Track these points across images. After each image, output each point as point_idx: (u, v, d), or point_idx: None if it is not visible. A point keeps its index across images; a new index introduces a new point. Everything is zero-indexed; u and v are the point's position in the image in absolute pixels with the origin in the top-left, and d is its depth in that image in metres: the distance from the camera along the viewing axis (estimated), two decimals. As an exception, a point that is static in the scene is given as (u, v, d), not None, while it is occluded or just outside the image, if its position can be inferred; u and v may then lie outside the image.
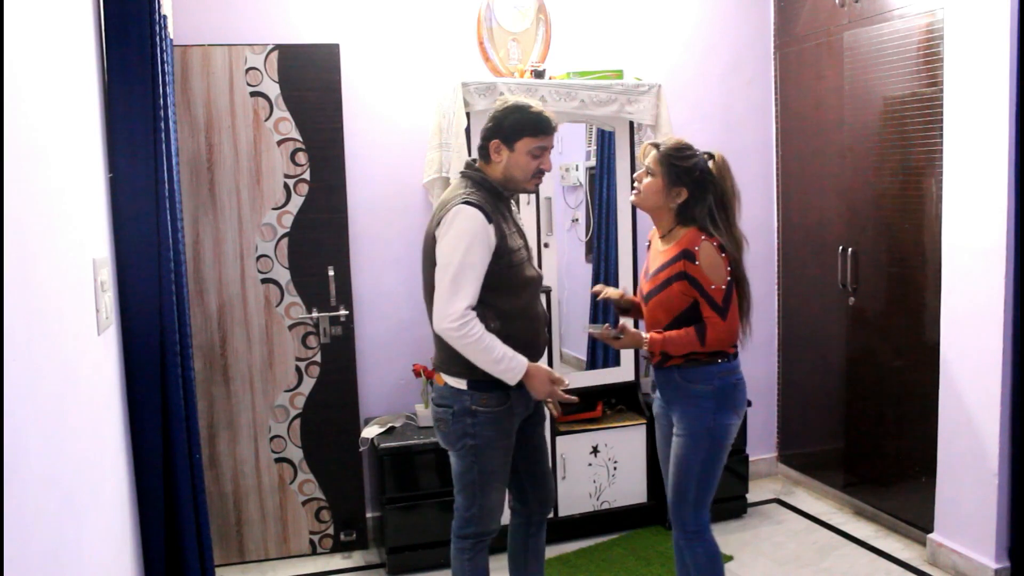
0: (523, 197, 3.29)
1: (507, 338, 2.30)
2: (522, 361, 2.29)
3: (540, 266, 3.34)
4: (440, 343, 2.35)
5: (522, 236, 2.45)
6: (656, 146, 2.41)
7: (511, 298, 2.34)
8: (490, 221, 2.26)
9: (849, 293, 3.65)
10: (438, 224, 2.29)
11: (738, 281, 2.36)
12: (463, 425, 2.35)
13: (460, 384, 2.35)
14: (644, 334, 2.38)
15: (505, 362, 2.26)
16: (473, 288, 2.24)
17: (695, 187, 2.36)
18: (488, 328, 2.28)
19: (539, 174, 2.38)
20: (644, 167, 2.43)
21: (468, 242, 2.23)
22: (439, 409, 2.41)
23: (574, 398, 2.40)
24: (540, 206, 3.40)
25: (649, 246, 2.60)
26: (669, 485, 2.48)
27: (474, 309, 2.26)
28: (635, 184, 2.47)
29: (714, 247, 2.32)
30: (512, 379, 2.29)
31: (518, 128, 2.30)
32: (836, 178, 3.70)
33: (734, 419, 2.41)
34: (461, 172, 2.43)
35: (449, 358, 2.34)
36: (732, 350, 2.41)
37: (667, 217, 2.43)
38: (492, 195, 2.35)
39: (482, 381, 2.32)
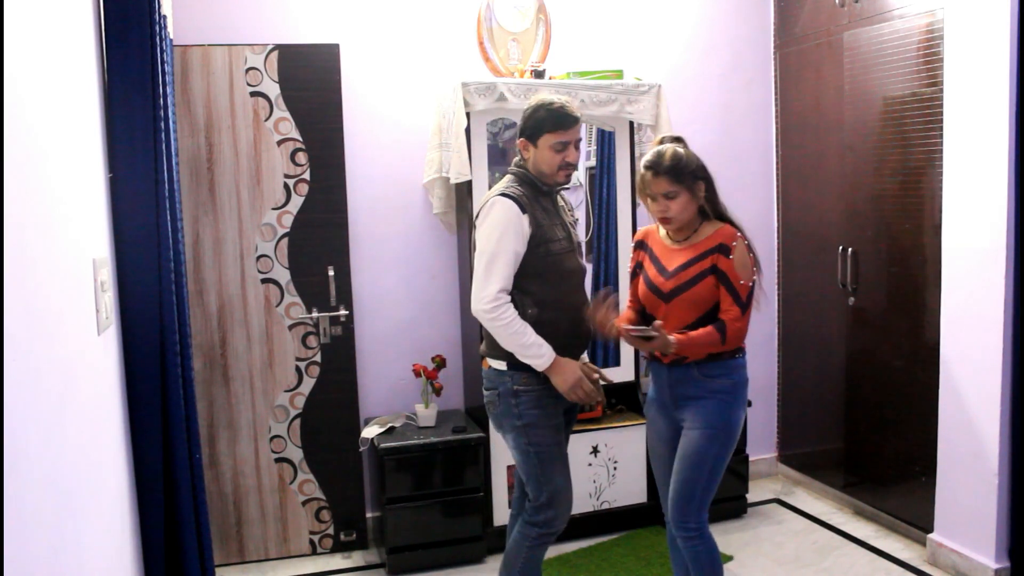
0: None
1: (545, 325, 2.39)
2: (550, 352, 2.38)
3: None
4: (483, 328, 2.47)
5: (565, 229, 2.53)
6: (655, 173, 2.33)
7: (549, 287, 2.43)
8: (524, 211, 2.39)
9: (849, 293, 3.65)
10: (477, 216, 2.46)
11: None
12: (508, 406, 2.45)
13: (501, 365, 2.46)
14: (670, 336, 2.31)
15: (534, 349, 2.36)
16: (505, 273, 2.37)
17: (705, 174, 2.41)
18: (526, 314, 2.39)
19: (566, 167, 2.46)
20: (659, 196, 2.34)
21: (501, 230, 2.36)
22: (487, 392, 2.53)
23: (599, 399, 2.52)
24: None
25: (641, 245, 2.54)
26: (674, 482, 2.43)
27: (509, 294, 2.38)
28: (662, 215, 2.38)
29: (745, 245, 2.37)
30: (540, 367, 2.38)
31: (539, 125, 2.42)
32: (836, 178, 3.70)
33: (743, 413, 2.46)
34: (510, 169, 2.54)
35: (492, 341, 2.46)
36: (744, 345, 2.46)
37: (694, 219, 2.44)
38: (532, 189, 2.47)
39: (520, 361, 2.41)
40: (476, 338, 3.39)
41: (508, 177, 2.52)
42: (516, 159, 2.55)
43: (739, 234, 2.38)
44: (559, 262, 2.46)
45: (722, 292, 2.35)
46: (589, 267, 3.80)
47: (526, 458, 2.48)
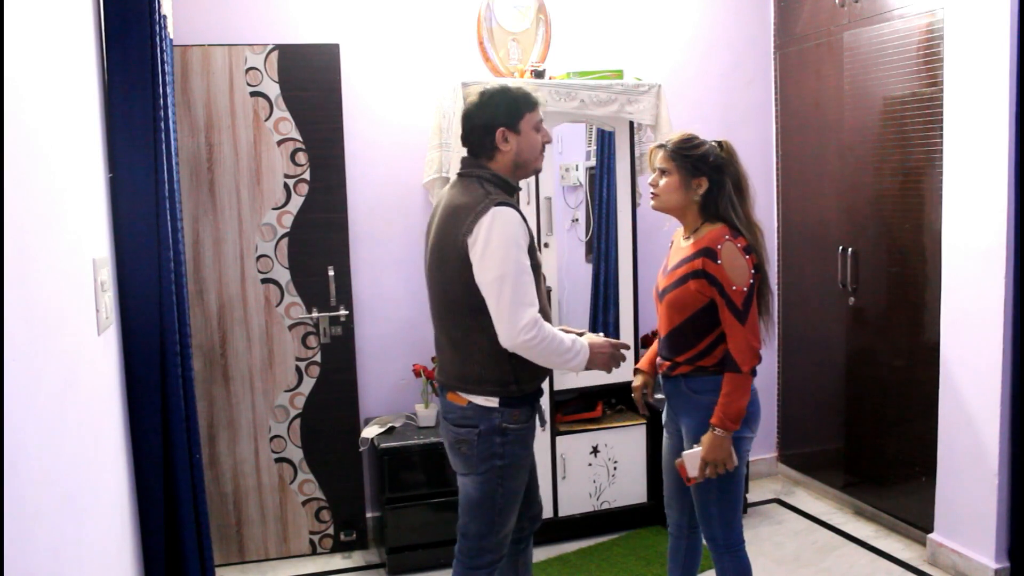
0: (522, 198, 3.28)
1: None
2: (583, 343, 2.17)
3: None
4: (463, 359, 2.19)
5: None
6: (662, 146, 2.34)
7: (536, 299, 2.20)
8: (524, 220, 2.14)
9: (849, 293, 3.65)
10: (468, 232, 2.08)
11: (761, 275, 2.27)
12: (491, 445, 2.17)
13: (491, 402, 2.17)
14: (716, 430, 2.21)
15: (574, 349, 2.15)
16: (533, 292, 2.10)
17: (713, 173, 2.28)
18: None
19: (543, 148, 2.27)
20: (656, 170, 2.35)
21: (517, 247, 2.07)
22: (461, 430, 2.20)
23: (626, 343, 2.31)
24: (540, 206, 3.40)
25: (672, 244, 2.50)
26: (694, 500, 2.39)
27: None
28: (652, 190, 2.37)
29: (738, 248, 2.20)
30: (582, 364, 2.16)
31: (515, 109, 2.18)
32: (836, 178, 3.70)
33: (745, 433, 2.29)
34: (462, 173, 2.23)
35: (479, 375, 2.17)
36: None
37: (692, 214, 2.33)
38: (507, 192, 2.20)
39: (515, 396, 2.18)
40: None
41: (474, 181, 2.18)
42: (466, 158, 2.25)
43: (727, 237, 2.21)
44: (539, 271, 2.21)
45: (720, 306, 2.21)
46: (589, 267, 3.80)
47: (490, 499, 2.21)
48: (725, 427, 2.20)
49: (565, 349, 2.12)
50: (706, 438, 2.22)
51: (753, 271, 2.22)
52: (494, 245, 2.05)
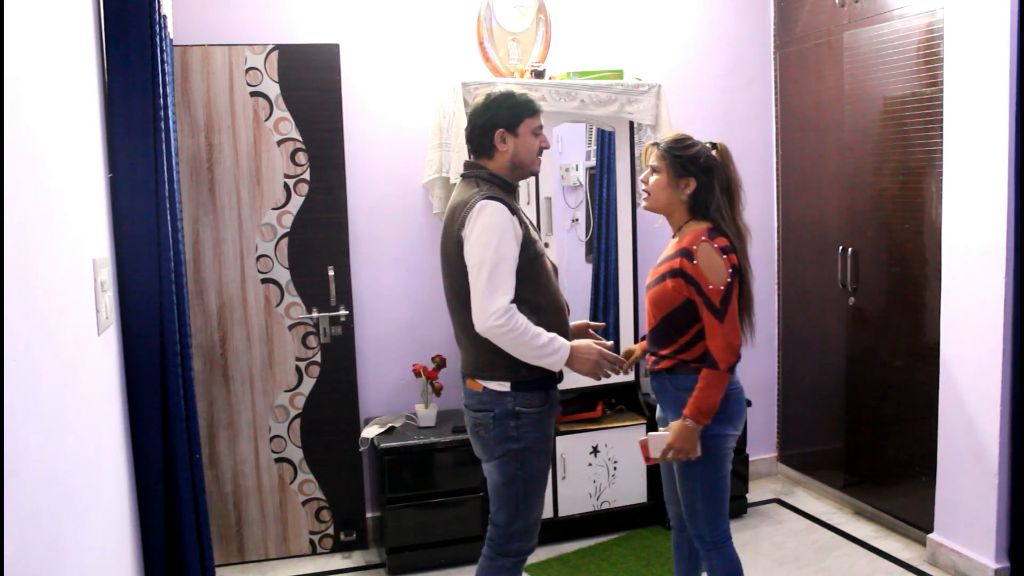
0: (522, 198, 3.28)
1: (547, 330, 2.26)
2: (565, 342, 2.23)
3: None
4: (476, 347, 2.27)
5: (535, 228, 2.44)
6: (656, 144, 2.37)
7: (541, 290, 2.29)
8: (514, 213, 2.23)
9: (849, 293, 3.65)
10: (462, 226, 2.22)
11: (740, 275, 2.27)
12: (505, 429, 2.28)
13: (503, 386, 2.28)
14: (687, 420, 2.23)
15: (550, 346, 2.20)
16: (510, 282, 2.18)
17: (702, 175, 2.30)
18: None
19: (540, 152, 2.37)
20: (648, 167, 2.37)
21: (499, 236, 2.17)
22: (478, 414, 2.32)
23: (621, 359, 2.34)
24: (540, 206, 3.40)
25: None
26: (680, 496, 2.42)
27: (513, 303, 2.19)
28: (643, 188, 2.39)
29: (715, 248, 2.22)
30: (559, 362, 2.23)
31: (516, 113, 2.30)
32: (836, 178, 3.70)
33: (728, 430, 2.32)
34: (464, 175, 2.37)
35: (490, 361, 2.26)
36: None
37: (679, 213, 2.35)
38: (503, 189, 2.31)
39: (526, 381, 2.26)
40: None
41: (471, 181, 2.32)
42: (467, 161, 2.39)
43: (704, 238, 2.24)
44: (544, 262, 2.32)
45: (699, 304, 2.24)
46: (589, 267, 3.80)
47: (511, 484, 2.31)
48: (696, 420, 2.23)
49: (540, 344, 2.19)
50: (676, 424, 2.26)
51: (731, 271, 2.23)
52: (476, 235, 2.19)
